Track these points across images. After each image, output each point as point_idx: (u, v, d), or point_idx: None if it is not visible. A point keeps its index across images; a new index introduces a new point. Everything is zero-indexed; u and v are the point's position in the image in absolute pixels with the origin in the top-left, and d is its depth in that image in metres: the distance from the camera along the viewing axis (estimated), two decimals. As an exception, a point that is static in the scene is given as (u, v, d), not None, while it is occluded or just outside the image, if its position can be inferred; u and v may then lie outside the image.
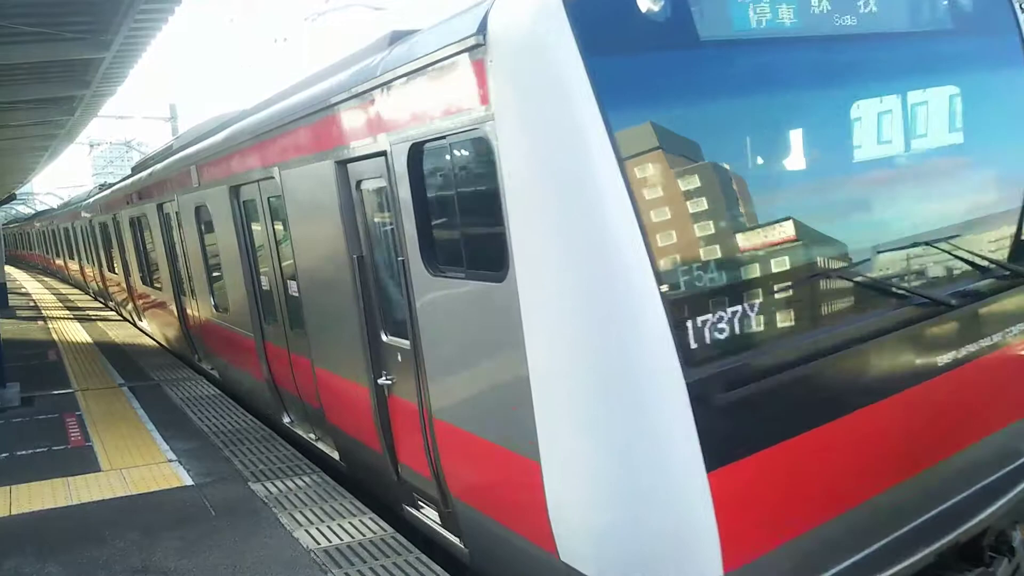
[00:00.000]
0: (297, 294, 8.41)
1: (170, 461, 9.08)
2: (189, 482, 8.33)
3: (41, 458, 9.48)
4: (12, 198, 66.11)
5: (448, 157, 5.42)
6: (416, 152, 5.68)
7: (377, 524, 6.92)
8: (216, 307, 12.01)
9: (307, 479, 8.14)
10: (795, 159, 5.33)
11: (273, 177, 8.30)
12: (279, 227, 8.78)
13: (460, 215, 5.45)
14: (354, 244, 6.85)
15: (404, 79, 5.66)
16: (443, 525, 6.54)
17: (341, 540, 6.63)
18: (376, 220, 6.71)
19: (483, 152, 4.99)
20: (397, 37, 6.48)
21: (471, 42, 4.83)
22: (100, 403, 12.24)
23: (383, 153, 6.04)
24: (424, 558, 6.21)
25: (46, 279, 45.39)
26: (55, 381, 14.10)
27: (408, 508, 7.07)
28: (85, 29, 16.06)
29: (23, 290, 36.92)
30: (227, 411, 11.27)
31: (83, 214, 27.57)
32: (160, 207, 14.48)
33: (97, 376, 14.54)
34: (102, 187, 25.81)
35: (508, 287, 4.87)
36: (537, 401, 4.81)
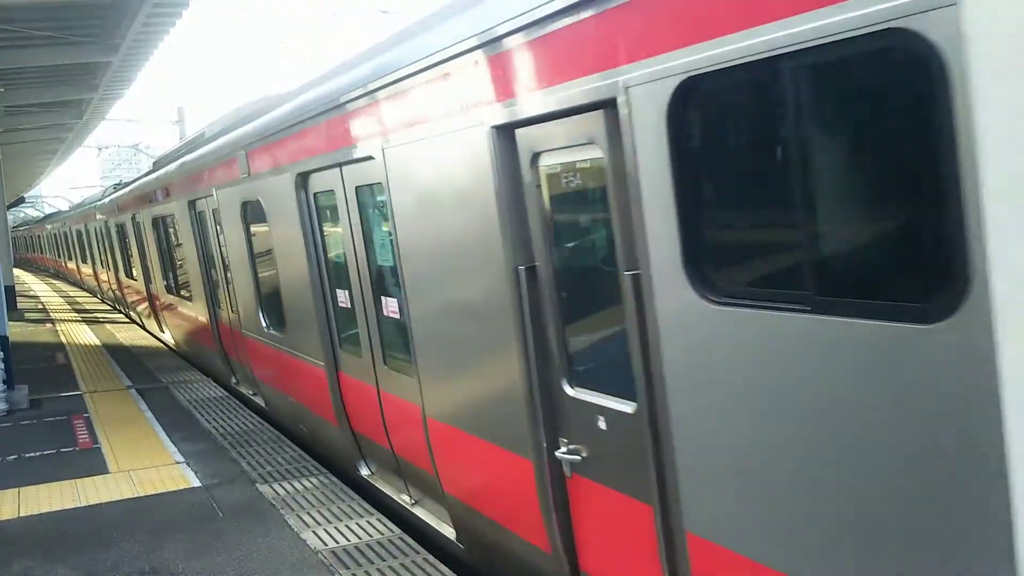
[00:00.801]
0: (398, 315, 6.48)
1: (178, 463, 9.09)
2: (197, 484, 8.33)
3: (49, 460, 9.49)
4: (21, 201, 66.61)
5: (781, 93, 3.05)
6: (687, 94, 3.38)
7: (385, 525, 6.92)
8: (267, 325, 9.93)
9: (314, 480, 8.15)
10: None
11: (372, 158, 6.22)
12: (375, 226, 6.78)
13: (803, 196, 3.04)
14: (520, 249, 4.73)
15: None
16: None
17: (349, 541, 6.63)
18: (567, 213, 4.57)
19: (893, 73, 2.72)
20: None
21: None
22: (108, 405, 12.26)
23: (605, 104, 3.83)
24: (432, 559, 6.20)
25: (55, 282, 45.55)
26: (63, 383, 14.13)
27: None
28: (93, 33, 16.16)
29: (31, 293, 37.05)
30: (235, 413, 11.28)
31: (97, 215, 26.22)
32: (192, 204, 12.57)
33: (105, 378, 14.58)
34: (117, 186, 24.22)
35: (961, 332, 2.56)
36: None
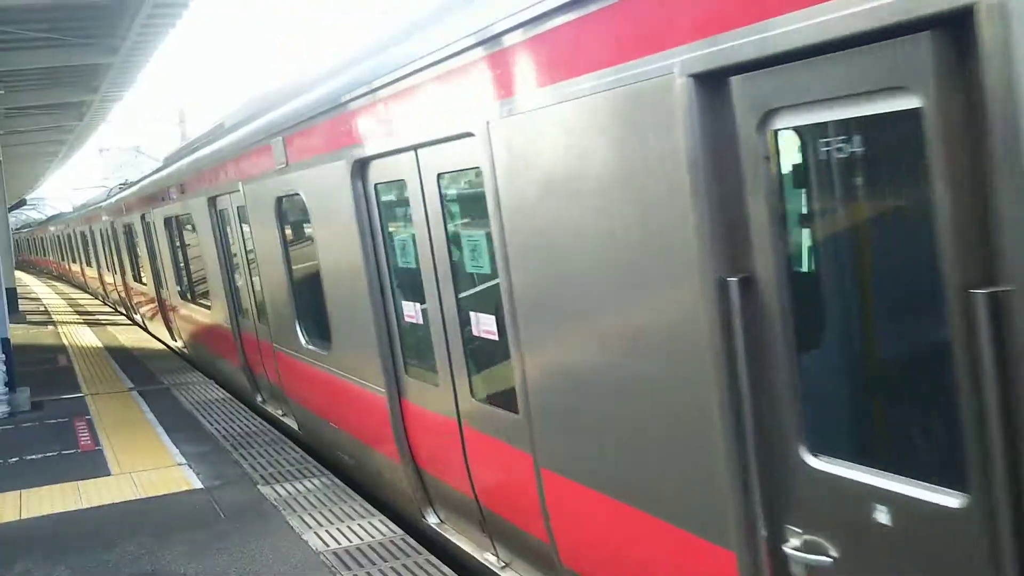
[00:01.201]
0: (496, 336, 5.26)
1: (180, 464, 9.08)
2: (199, 485, 8.32)
3: (51, 462, 9.49)
4: (23, 203, 66.68)
5: None
6: None
7: (387, 526, 6.90)
8: (306, 339, 8.76)
9: (316, 481, 8.13)
10: None
11: (469, 135, 4.91)
12: (465, 223, 5.61)
13: None
14: (727, 252, 3.31)
15: None
16: None
17: (351, 542, 6.61)
18: (824, 199, 3.13)
19: None
20: None
21: None
22: (110, 407, 12.26)
23: (938, 22, 2.45)
24: (434, 559, 6.19)
25: (56, 284, 45.59)
26: (65, 385, 14.13)
27: None
28: (93, 34, 16.17)
29: (33, 295, 37.08)
30: (237, 415, 11.28)
31: (103, 216, 25.27)
32: (213, 201, 11.39)
33: (107, 380, 14.58)
34: (124, 185, 23.02)
35: None
36: None
